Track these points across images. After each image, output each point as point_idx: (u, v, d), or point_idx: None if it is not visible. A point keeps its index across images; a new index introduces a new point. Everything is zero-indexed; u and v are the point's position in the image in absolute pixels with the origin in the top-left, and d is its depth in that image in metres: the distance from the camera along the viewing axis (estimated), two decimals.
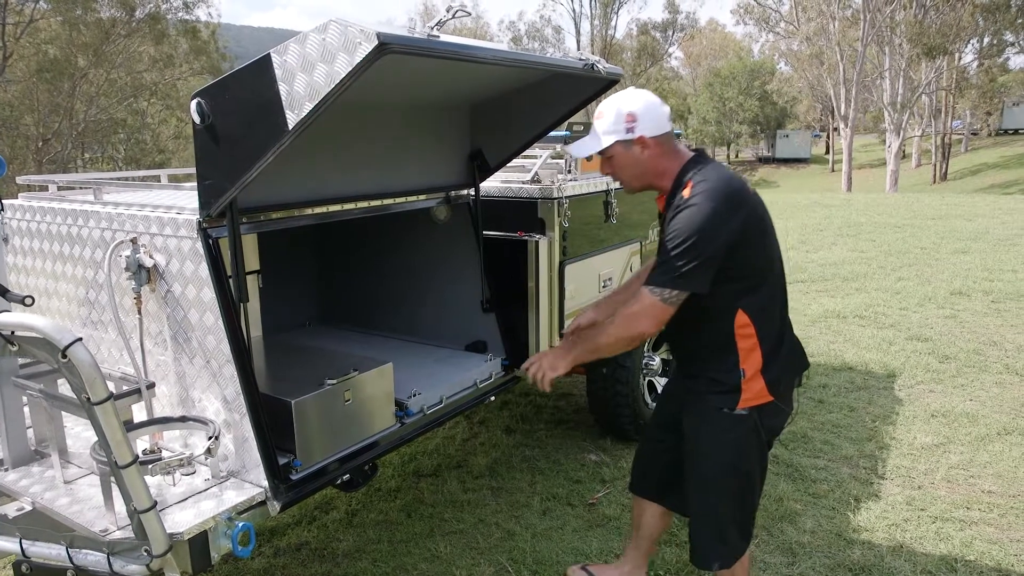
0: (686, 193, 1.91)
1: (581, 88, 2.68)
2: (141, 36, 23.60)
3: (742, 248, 1.86)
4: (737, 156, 48.02)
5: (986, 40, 31.51)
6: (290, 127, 1.75)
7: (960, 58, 31.21)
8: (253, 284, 2.68)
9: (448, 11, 1.75)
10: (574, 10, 52.65)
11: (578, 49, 43.35)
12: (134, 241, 2.13)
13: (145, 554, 1.56)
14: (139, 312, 2.15)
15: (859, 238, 10.53)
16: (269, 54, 1.75)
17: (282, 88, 1.74)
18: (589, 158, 3.47)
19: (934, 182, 32.81)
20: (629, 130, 1.94)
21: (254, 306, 2.69)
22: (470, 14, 1.77)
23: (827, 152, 42.95)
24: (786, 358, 2.00)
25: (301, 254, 3.68)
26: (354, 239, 3.53)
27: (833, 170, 38.32)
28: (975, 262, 8.46)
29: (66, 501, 1.96)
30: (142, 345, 2.17)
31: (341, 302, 3.73)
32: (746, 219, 1.87)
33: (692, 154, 2.01)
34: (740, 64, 43.15)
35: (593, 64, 2.38)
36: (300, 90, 1.72)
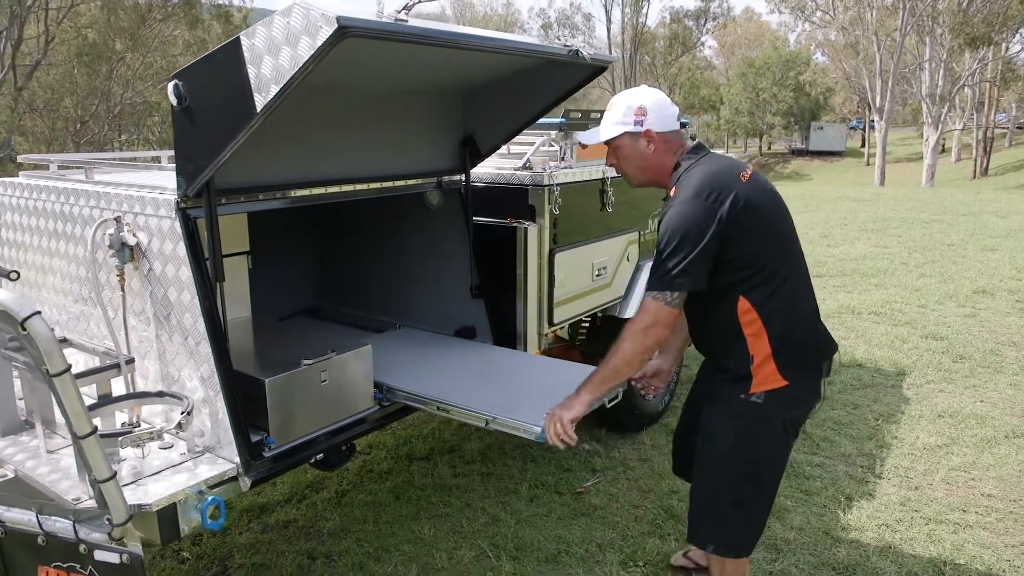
0: (672, 192, 1.97)
1: (570, 75, 2.65)
2: (176, 20, 24.03)
3: (739, 239, 1.86)
4: (770, 148, 47.07)
5: None
6: (258, 109, 1.77)
7: (1007, 48, 30.03)
8: (242, 264, 2.72)
9: None
10: None
11: (608, 37, 42.86)
12: (118, 219, 2.18)
13: (107, 523, 1.61)
14: (123, 289, 2.20)
15: (884, 233, 10.27)
16: (239, 37, 1.77)
17: (251, 71, 1.76)
18: (584, 146, 3.44)
19: (974, 177, 31.76)
20: (638, 123, 2.00)
21: (243, 287, 2.73)
22: None
23: (862, 145, 41.82)
24: (801, 344, 1.98)
25: (294, 239, 3.71)
26: (349, 225, 3.56)
27: (868, 163, 37.31)
28: (1004, 260, 8.20)
29: (46, 470, 2.03)
30: (125, 322, 2.23)
31: (334, 287, 3.76)
32: (734, 211, 1.85)
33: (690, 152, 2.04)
34: (774, 54, 42.12)
35: (578, 50, 2.35)
36: (267, 73, 1.74)
